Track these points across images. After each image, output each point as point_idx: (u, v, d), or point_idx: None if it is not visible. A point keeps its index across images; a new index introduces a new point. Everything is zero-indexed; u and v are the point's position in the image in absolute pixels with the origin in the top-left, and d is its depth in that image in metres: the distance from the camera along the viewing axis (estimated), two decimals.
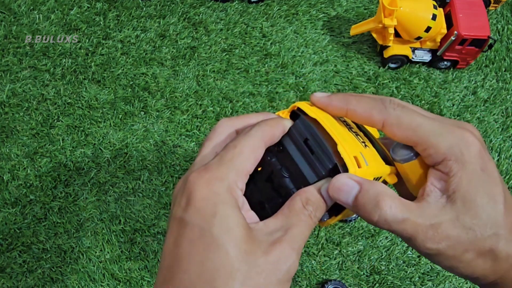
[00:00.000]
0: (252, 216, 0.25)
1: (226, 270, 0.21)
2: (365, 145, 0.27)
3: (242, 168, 0.24)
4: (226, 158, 0.23)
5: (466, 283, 0.81)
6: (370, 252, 0.81)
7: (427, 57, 0.99)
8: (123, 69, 0.92)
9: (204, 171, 0.23)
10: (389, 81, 0.97)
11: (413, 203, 0.24)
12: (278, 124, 0.26)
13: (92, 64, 0.92)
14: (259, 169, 0.27)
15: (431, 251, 0.24)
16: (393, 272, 0.80)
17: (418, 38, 0.93)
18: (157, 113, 0.89)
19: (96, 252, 0.78)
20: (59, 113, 0.87)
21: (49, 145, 0.84)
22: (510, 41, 1.05)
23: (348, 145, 0.26)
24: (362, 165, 0.25)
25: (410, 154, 0.26)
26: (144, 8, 0.99)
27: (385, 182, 0.29)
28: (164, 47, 0.95)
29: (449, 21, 0.94)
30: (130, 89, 0.90)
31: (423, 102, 0.95)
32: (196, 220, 0.22)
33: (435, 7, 0.90)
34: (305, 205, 0.24)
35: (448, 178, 0.24)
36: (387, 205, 0.23)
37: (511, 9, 1.09)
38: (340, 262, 0.80)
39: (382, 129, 0.26)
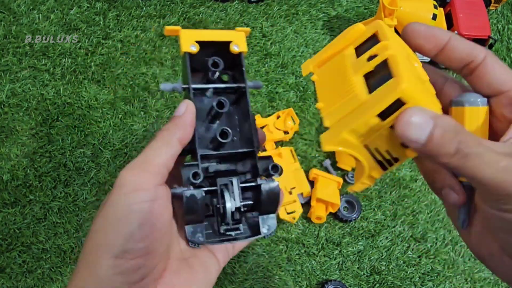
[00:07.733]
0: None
1: None
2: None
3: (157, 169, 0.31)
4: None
5: (466, 283, 0.81)
6: (370, 252, 0.81)
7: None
8: (123, 69, 0.92)
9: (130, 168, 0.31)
10: None
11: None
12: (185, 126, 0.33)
13: (92, 64, 0.91)
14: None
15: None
16: (393, 272, 0.80)
17: None
18: (157, 113, 0.89)
19: None
20: (59, 113, 0.87)
21: (48, 145, 0.84)
22: (510, 41, 1.05)
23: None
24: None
25: (484, 99, 0.27)
26: (144, 8, 0.99)
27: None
28: (164, 47, 0.95)
29: (449, 21, 0.94)
30: (130, 89, 0.90)
31: None
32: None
33: (435, 7, 0.90)
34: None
35: None
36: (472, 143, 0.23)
37: None
38: (340, 262, 0.80)
39: (480, 65, 0.27)
